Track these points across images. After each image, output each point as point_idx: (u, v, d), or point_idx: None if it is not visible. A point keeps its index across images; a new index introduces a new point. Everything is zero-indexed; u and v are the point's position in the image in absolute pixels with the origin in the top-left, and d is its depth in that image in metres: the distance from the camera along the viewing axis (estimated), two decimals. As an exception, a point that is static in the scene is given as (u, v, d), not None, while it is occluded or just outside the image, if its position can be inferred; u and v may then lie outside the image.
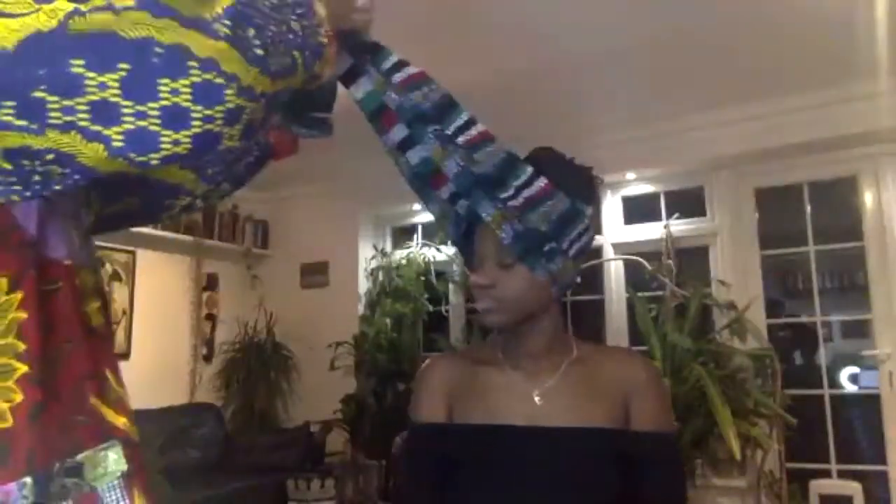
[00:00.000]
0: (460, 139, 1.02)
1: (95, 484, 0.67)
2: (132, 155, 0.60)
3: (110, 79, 0.56)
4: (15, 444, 0.63)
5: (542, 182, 1.02)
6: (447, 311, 3.89)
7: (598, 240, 3.64)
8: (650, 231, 3.48)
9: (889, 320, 2.96)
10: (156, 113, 0.58)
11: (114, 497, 0.68)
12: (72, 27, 0.56)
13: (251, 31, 0.62)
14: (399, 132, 1.05)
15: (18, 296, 0.66)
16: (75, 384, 0.69)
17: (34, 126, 0.57)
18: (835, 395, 3.11)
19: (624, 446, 1.05)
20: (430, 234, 4.08)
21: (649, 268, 3.24)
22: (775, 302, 3.39)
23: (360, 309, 4.01)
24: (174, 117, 0.59)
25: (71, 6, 0.56)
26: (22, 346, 0.65)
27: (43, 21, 0.56)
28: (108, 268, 3.81)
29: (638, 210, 3.59)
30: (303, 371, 4.13)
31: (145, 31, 0.57)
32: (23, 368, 0.65)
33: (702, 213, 3.42)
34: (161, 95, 0.58)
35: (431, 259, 3.86)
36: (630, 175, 3.50)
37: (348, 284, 4.12)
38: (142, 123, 0.58)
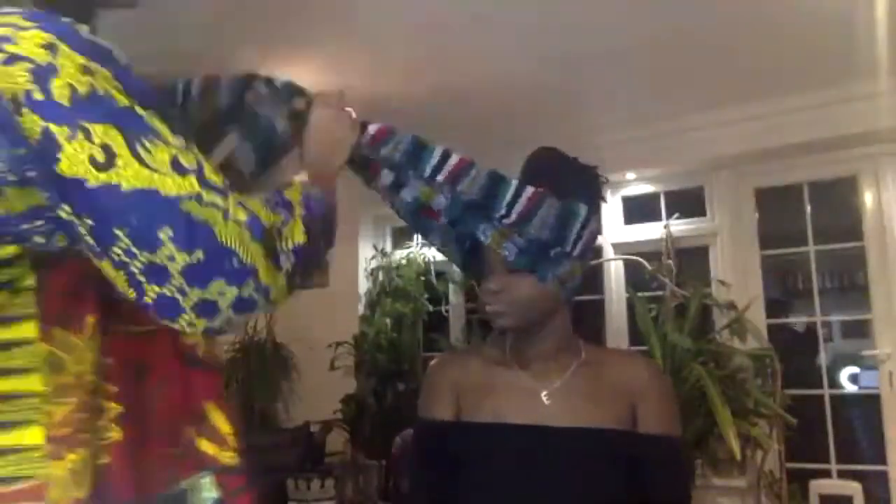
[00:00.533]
0: (439, 178, 1.04)
1: None
2: (151, 311, 0.65)
3: (183, 256, 0.62)
4: (115, 480, 0.68)
5: (528, 192, 1.03)
6: (447, 311, 3.89)
7: (598, 240, 3.63)
8: (650, 231, 3.48)
9: (889, 320, 2.96)
10: (195, 299, 0.64)
11: None
12: (185, 205, 0.62)
13: (303, 266, 0.71)
14: (387, 177, 1.09)
15: (106, 339, 0.71)
16: (171, 418, 0.75)
17: (97, 249, 0.63)
18: (835, 395, 3.11)
19: (630, 448, 1.05)
20: (430, 234, 4.08)
21: (649, 268, 3.24)
22: (775, 302, 3.39)
23: (360, 309, 4.01)
24: (206, 309, 0.65)
25: (196, 190, 0.64)
26: (114, 388, 0.70)
27: (167, 185, 0.62)
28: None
29: (638, 210, 3.59)
30: (303, 371, 4.12)
31: (237, 246, 0.65)
32: (116, 408, 0.70)
33: (702, 213, 3.42)
34: (209, 289, 0.64)
35: (431, 259, 3.86)
36: (630, 175, 3.50)
37: (348, 284, 4.12)
38: (178, 297, 0.63)
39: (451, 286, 3.86)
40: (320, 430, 3.77)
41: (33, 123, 0.60)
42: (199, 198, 0.63)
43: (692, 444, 2.73)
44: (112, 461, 0.68)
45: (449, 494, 1.08)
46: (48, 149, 0.60)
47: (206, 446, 0.77)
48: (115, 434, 0.69)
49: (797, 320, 3.35)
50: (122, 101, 0.63)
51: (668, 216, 3.44)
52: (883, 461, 2.90)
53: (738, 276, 3.22)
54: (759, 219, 3.28)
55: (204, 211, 0.63)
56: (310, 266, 0.75)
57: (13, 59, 0.60)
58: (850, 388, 3.28)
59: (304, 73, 2.67)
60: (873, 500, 2.84)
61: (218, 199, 0.65)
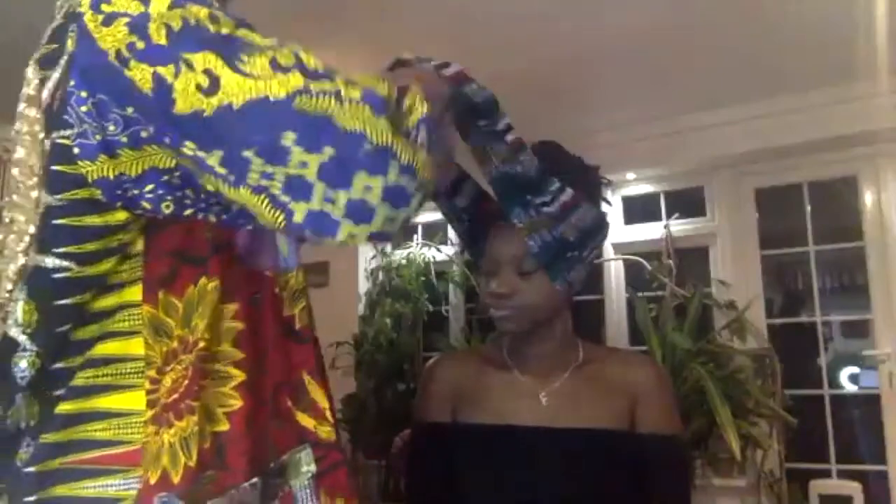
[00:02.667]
0: (508, 137, 1.00)
1: (293, 483, 0.72)
2: (307, 232, 0.62)
3: (313, 158, 0.58)
4: (231, 448, 0.67)
5: (568, 194, 1.03)
6: (447, 311, 3.89)
7: (598, 240, 3.63)
8: (650, 231, 3.48)
9: (889, 320, 2.96)
10: (343, 202, 0.60)
11: (304, 496, 0.73)
12: (297, 103, 0.59)
13: (433, 136, 0.65)
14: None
15: (234, 307, 0.70)
16: (274, 389, 0.73)
17: (232, 178, 0.60)
18: (835, 395, 3.10)
19: (629, 448, 1.05)
20: (430, 234, 4.08)
21: (649, 268, 3.24)
22: (775, 302, 3.39)
23: (360, 309, 4.01)
24: (359, 211, 0.60)
25: (301, 83, 0.60)
26: (240, 355, 0.69)
27: (274, 89, 0.59)
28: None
29: (638, 210, 3.59)
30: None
31: (360, 126, 0.59)
32: (240, 376, 0.69)
33: (702, 213, 3.42)
34: (353, 187, 0.59)
35: (431, 259, 3.85)
36: (630, 175, 3.50)
37: (348, 284, 4.12)
38: (327, 208, 0.60)
39: (451, 286, 3.86)
40: (320, 430, 3.77)
41: (143, 72, 0.60)
42: (307, 90, 0.59)
43: (692, 444, 2.73)
44: (231, 429, 0.67)
45: (447, 496, 1.08)
46: (162, 93, 0.59)
47: (305, 419, 0.75)
48: (236, 402, 0.68)
49: (797, 320, 3.34)
50: (214, 26, 0.62)
51: (668, 216, 3.44)
52: (883, 461, 2.90)
53: (738, 276, 3.22)
54: (759, 219, 3.28)
55: (316, 102, 0.59)
56: (441, 145, 0.68)
57: (110, 18, 0.62)
58: (850, 388, 3.28)
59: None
60: (873, 500, 2.83)
61: (326, 85, 0.60)
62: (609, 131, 3.29)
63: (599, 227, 1.06)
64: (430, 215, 4.14)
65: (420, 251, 3.91)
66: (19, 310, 0.67)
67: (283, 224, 0.61)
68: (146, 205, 0.65)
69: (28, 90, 0.70)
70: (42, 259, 0.65)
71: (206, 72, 0.59)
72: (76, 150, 0.63)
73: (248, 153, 0.59)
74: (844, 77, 2.75)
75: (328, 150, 0.58)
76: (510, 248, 1.05)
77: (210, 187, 0.63)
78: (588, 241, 1.05)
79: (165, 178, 0.64)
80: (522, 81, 2.84)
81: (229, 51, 0.61)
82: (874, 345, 3.00)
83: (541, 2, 2.27)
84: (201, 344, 0.67)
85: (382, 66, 0.98)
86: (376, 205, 0.60)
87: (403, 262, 3.90)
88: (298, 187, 0.59)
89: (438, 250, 3.90)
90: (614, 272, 3.56)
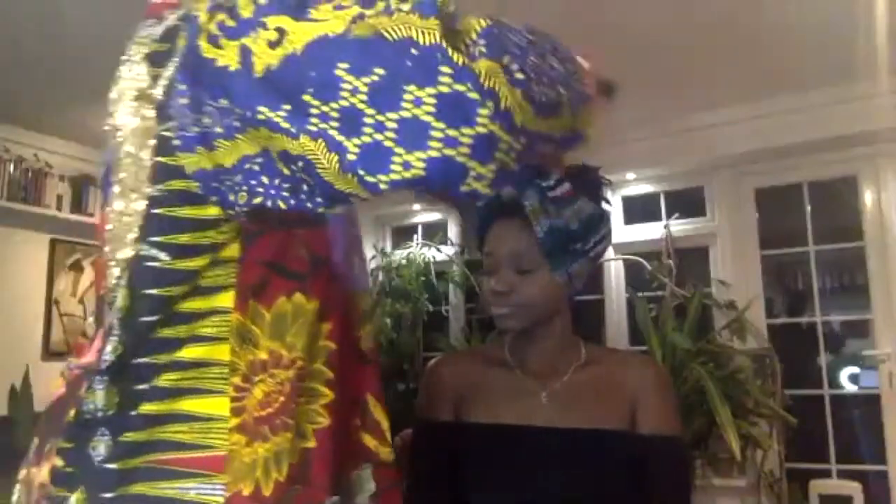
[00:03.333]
0: None
1: (357, 502, 0.73)
2: (361, 172, 0.55)
3: (363, 83, 0.53)
4: (316, 464, 0.68)
5: (566, 186, 1.03)
6: (447, 311, 3.89)
7: (599, 240, 3.64)
8: (650, 231, 3.48)
9: (889, 320, 2.96)
10: (393, 125, 0.53)
11: None
12: (354, 31, 0.55)
13: (506, 58, 0.56)
14: None
15: (328, 326, 0.70)
16: (346, 409, 0.74)
17: (294, 130, 0.57)
18: (835, 395, 3.11)
19: (630, 449, 1.04)
20: (429, 234, 4.08)
21: (649, 268, 3.24)
22: (775, 302, 3.39)
23: (360, 309, 4.01)
24: (412, 132, 0.52)
25: (357, 10, 0.56)
26: (330, 374, 0.70)
27: (333, 26, 0.56)
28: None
29: (638, 210, 3.59)
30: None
31: (407, 32, 0.53)
32: (329, 395, 0.69)
33: (702, 213, 3.42)
34: (403, 105, 0.52)
35: (431, 259, 3.85)
36: (630, 175, 3.50)
37: (348, 284, 4.11)
38: (378, 136, 0.53)
39: (451, 286, 3.86)
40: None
41: (231, 50, 0.60)
42: (361, 16, 0.56)
43: (692, 444, 2.73)
44: (317, 446, 0.68)
45: (448, 496, 1.08)
46: (246, 64, 0.59)
47: (368, 439, 0.76)
48: (324, 420, 0.69)
49: (797, 320, 3.34)
50: None
51: (668, 216, 3.44)
52: (883, 461, 2.90)
53: (738, 276, 3.22)
54: (759, 219, 3.28)
55: (368, 25, 0.55)
56: (535, 70, 0.59)
57: (213, 8, 0.64)
58: (850, 388, 3.28)
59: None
60: (873, 500, 2.84)
61: (380, 4, 0.56)
62: (609, 131, 3.28)
63: (600, 219, 1.06)
64: (430, 215, 4.14)
65: (420, 251, 3.91)
66: (120, 296, 0.68)
67: (338, 167, 0.55)
68: (230, 198, 0.64)
69: (139, 85, 0.71)
70: (140, 247, 0.67)
71: (277, 28, 0.58)
72: (176, 142, 0.65)
73: (306, 97, 0.56)
74: (844, 77, 2.75)
75: (377, 71, 0.53)
76: (509, 246, 1.05)
77: (279, 148, 0.60)
78: (590, 234, 1.05)
79: (249, 165, 0.62)
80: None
81: (301, 11, 0.59)
82: (874, 345, 3.00)
83: (541, 2, 2.27)
84: (300, 363, 0.67)
85: None
86: (430, 122, 0.52)
87: (403, 262, 3.90)
88: (351, 120, 0.54)
89: (438, 250, 3.90)
90: (614, 272, 3.56)
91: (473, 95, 0.52)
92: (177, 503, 0.64)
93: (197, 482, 0.64)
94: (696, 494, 2.82)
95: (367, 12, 0.56)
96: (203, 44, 0.63)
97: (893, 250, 2.96)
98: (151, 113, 0.68)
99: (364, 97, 0.53)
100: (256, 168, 0.62)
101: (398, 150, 0.53)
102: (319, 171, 0.57)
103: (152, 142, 0.67)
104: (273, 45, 0.58)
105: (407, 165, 0.53)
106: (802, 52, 2.58)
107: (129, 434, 0.66)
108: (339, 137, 0.55)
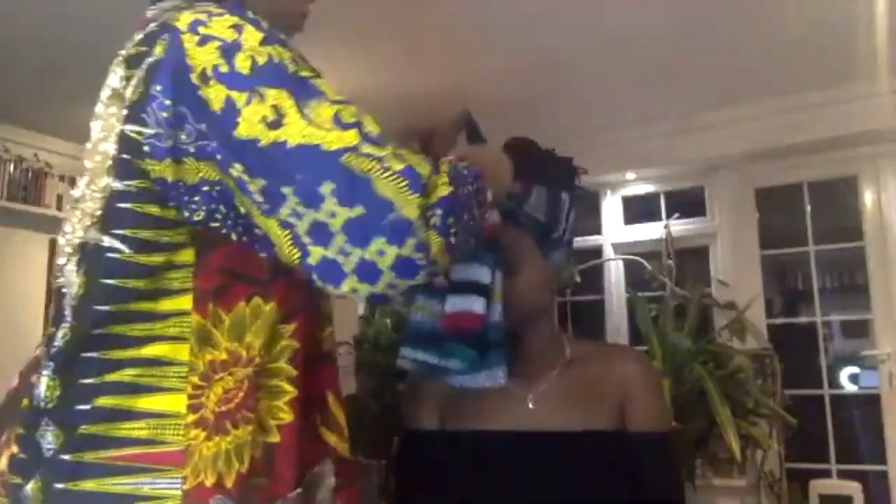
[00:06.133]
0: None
1: (319, 497, 0.76)
2: (315, 277, 0.65)
3: (342, 212, 0.62)
4: (281, 459, 0.71)
5: (519, 182, 1.04)
6: (447, 311, 3.88)
7: (598, 240, 3.64)
8: (650, 231, 3.48)
9: (889, 320, 2.96)
10: (355, 260, 0.62)
11: None
12: (344, 158, 0.62)
13: (451, 220, 0.66)
14: None
15: (292, 326, 0.74)
16: (308, 406, 0.77)
17: (265, 207, 0.65)
18: (835, 395, 3.11)
19: (621, 449, 1.03)
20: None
21: (649, 268, 3.24)
22: (775, 302, 3.39)
23: (361, 309, 4.01)
24: (367, 272, 0.63)
25: (355, 142, 0.64)
26: (294, 372, 0.73)
27: (329, 140, 0.63)
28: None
29: (638, 210, 3.59)
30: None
31: (393, 196, 0.62)
32: (293, 392, 0.73)
33: (702, 213, 3.42)
34: (369, 249, 0.62)
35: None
36: (630, 175, 3.50)
37: (348, 284, 4.12)
38: (340, 259, 0.63)
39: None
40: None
41: (218, 93, 0.65)
42: (356, 149, 0.63)
43: (692, 444, 2.73)
44: (282, 440, 0.71)
45: None
46: (229, 115, 0.64)
47: (328, 435, 0.79)
48: (287, 416, 0.72)
49: (797, 320, 3.34)
50: (294, 68, 0.68)
51: (668, 216, 3.44)
52: (883, 461, 2.90)
53: (738, 276, 3.22)
54: (759, 219, 3.28)
55: (362, 162, 0.62)
56: (464, 228, 0.69)
57: (205, 39, 0.68)
58: (850, 388, 3.28)
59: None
60: (873, 500, 2.84)
61: (374, 150, 0.64)
62: (609, 131, 3.29)
63: (557, 201, 1.06)
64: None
65: (420, 251, 3.91)
66: (76, 283, 0.72)
67: (297, 261, 0.64)
68: (185, 212, 0.69)
69: (114, 84, 0.75)
70: (101, 238, 0.70)
71: (275, 107, 0.64)
72: (146, 149, 0.69)
73: (286, 190, 0.63)
74: (844, 77, 2.75)
75: (358, 209, 0.62)
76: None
77: (242, 209, 0.68)
78: (557, 216, 1.05)
79: (207, 188, 0.68)
80: (524, 82, 2.85)
81: (301, 93, 0.66)
82: (874, 345, 3.00)
83: (542, 3, 2.27)
84: (257, 360, 0.71)
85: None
86: (384, 270, 0.63)
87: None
88: (321, 233, 0.62)
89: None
90: (614, 272, 3.56)
91: (422, 262, 0.64)
92: (131, 498, 0.66)
93: (152, 477, 0.66)
94: (696, 494, 2.82)
95: (363, 148, 0.63)
96: (191, 64, 0.67)
97: (893, 250, 2.96)
98: (122, 112, 0.72)
99: (340, 223, 0.62)
100: (216, 195, 0.68)
101: (352, 277, 0.63)
102: (276, 251, 0.67)
103: (116, 138, 0.72)
104: (268, 124, 0.63)
105: (355, 290, 0.64)
106: (802, 52, 2.58)
107: (86, 427, 0.68)
108: (306, 240, 0.63)
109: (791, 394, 2.88)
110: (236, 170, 0.65)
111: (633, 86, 2.92)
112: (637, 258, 3.34)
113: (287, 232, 0.64)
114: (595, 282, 3.56)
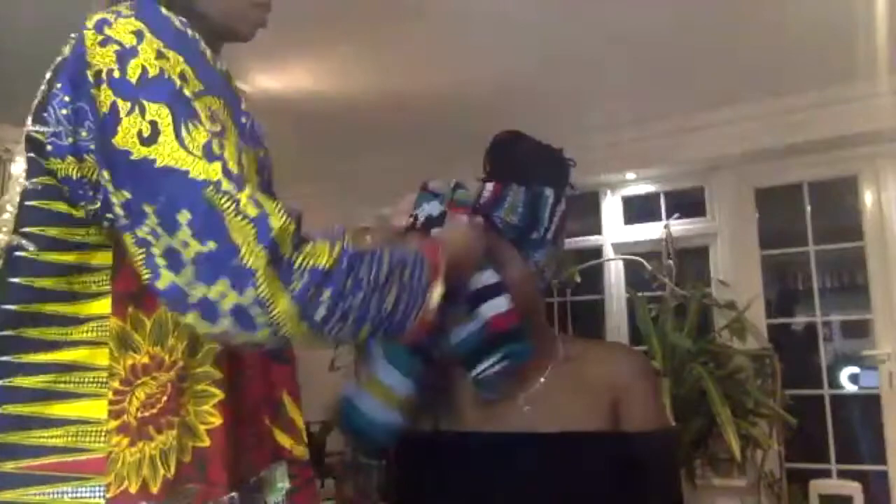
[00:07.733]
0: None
1: (269, 499, 0.75)
2: (162, 299, 0.65)
3: (194, 244, 0.61)
4: (212, 463, 0.70)
5: (491, 186, 1.04)
6: (447, 311, 3.88)
7: (598, 240, 3.63)
8: (650, 231, 3.48)
9: (889, 320, 2.96)
10: (199, 295, 0.62)
11: None
12: (205, 192, 0.62)
13: (326, 295, 0.63)
14: None
15: None
16: (254, 408, 0.76)
17: (125, 222, 0.65)
18: (835, 395, 3.10)
19: (616, 449, 1.02)
20: (430, 234, 4.07)
21: (649, 268, 3.23)
22: (775, 302, 3.39)
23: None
24: (208, 310, 0.62)
25: (217, 177, 0.63)
26: (218, 374, 0.72)
27: (197, 169, 0.62)
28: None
29: (638, 210, 3.59)
30: (303, 371, 4.11)
31: (241, 241, 0.61)
32: (219, 395, 0.72)
33: (702, 213, 3.42)
34: (213, 288, 0.61)
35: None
36: (630, 175, 3.50)
37: (348, 284, 4.11)
38: (186, 291, 0.62)
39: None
40: (320, 429, 3.76)
41: (106, 97, 0.65)
42: (217, 186, 0.62)
43: (692, 444, 2.73)
44: (211, 445, 0.70)
45: None
46: (110, 121, 0.64)
47: (282, 437, 0.78)
48: (216, 419, 0.71)
49: (797, 320, 3.34)
50: (183, 85, 0.66)
51: (668, 216, 3.43)
52: (883, 461, 2.90)
53: (738, 276, 3.22)
54: (759, 219, 3.28)
55: (220, 200, 0.62)
56: (350, 313, 0.65)
57: (106, 41, 0.67)
58: (850, 388, 3.27)
59: (300, 73, 2.66)
60: (873, 500, 2.83)
61: (233, 190, 0.62)
62: (609, 131, 3.28)
63: (538, 200, 1.05)
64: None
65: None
66: None
67: (147, 282, 0.64)
68: (90, 207, 0.69)
69: (42, 88, 0.76)
70: (11, 237, 0.71)
71: (153, 123, 0.63)
72: (48, 148, 0.69)
73: (148, 208, 0.62)
74: (844, 77, 2.75)
75: (210, 245, 0.61)
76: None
77: (110, 215, 0.68)
78: (537, 216, 1.04)
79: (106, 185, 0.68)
80: (523, 82, 2.85)
81: (182, 114, 0.64)
82: (874, 345, 3.00)
83: (541, 3, 2.27)
84: (181, 364, 0.70)
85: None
86: (223, 313, 0.61)
87: (403, 262, 3.89)
88: (174, 259, 0.62)
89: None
90: (614, 272, 3.56)
91: (260, 320, 0.62)
92: None
93: (73, 486, 0.65)
94: (696, 494, 2.82)
95: (224, 186, 0.62)
96: (90, 62, 0.67)
97: (893, 250, 2.95)
98: (30, 114, 0.73)
99: (191, 254, 0.61)
100: (103, 183, 0.67)
101: (195, 311, 0.62)
102: (132, 260, 0.66)
103: (24, 138, 0.73)
104: (142, 140, 0.63)
105: (196, 326, 0.63)
106: (802, 52, 2.58)
107: None
108: (160, 262, 0.63)
109: (791, 394, 2.88)
110: (103, 177, 0.66)
111: (633, 86, 2.92)
112: (637, 258, 3.34)
113: (142, 251, 0.63)
114: (595, 282, 3.56)
